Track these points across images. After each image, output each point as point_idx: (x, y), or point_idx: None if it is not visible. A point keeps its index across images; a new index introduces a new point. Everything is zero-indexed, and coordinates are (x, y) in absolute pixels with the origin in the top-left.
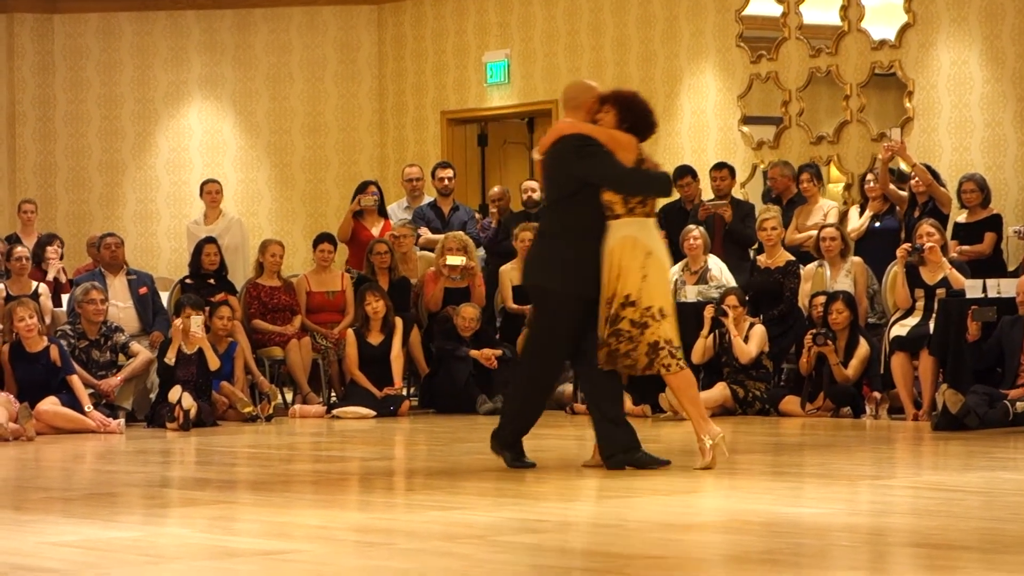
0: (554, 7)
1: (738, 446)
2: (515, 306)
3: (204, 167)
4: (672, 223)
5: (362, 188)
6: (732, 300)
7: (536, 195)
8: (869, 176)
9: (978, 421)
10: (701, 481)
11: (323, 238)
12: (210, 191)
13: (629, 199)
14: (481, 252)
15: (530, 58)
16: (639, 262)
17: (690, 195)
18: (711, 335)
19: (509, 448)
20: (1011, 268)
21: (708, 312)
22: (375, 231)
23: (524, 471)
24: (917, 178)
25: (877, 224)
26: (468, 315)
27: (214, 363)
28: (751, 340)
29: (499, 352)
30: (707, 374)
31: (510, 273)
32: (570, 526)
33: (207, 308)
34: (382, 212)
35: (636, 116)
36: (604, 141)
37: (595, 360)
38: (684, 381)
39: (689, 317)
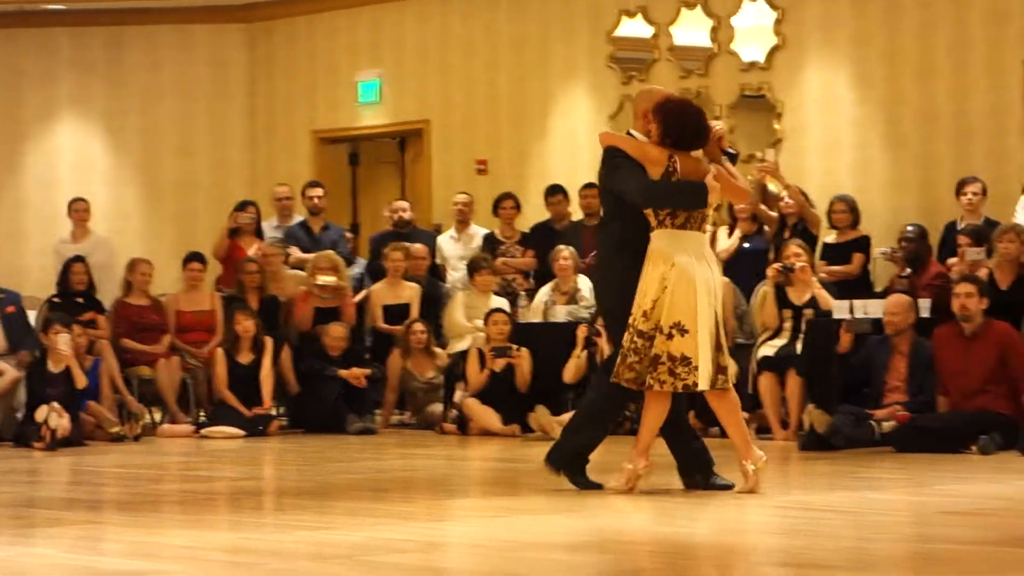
0: (426, 27)
1: (608, 466)
2: (385, 326)
3: (74, 185)
4: (542, 242)
5: (241, 207)
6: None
7: (407, 215)
8: None
9: (844, 441)
10: (575, 501)
11: (193, 257)
12: (78, 209)
13: (659, 212)
14: (358, 269)
15: (402, 78)
16: (659, 273)
17: (560, 214)
18: (584, 354)
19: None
20: (878, 289)
21: (581, 332)
22: (251, 251)
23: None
24: (788, 199)
25: (746, 245)
26: (336, 334)
27: (81, 381)
28: None
29: (368, 371)
30: (579, 394)
31: (380, 293)
32: (437, 546)
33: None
34: (259, 233)
35: (678, 128)
36: (633, 153)
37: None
38: (729, 403)
39: (561, 337)
